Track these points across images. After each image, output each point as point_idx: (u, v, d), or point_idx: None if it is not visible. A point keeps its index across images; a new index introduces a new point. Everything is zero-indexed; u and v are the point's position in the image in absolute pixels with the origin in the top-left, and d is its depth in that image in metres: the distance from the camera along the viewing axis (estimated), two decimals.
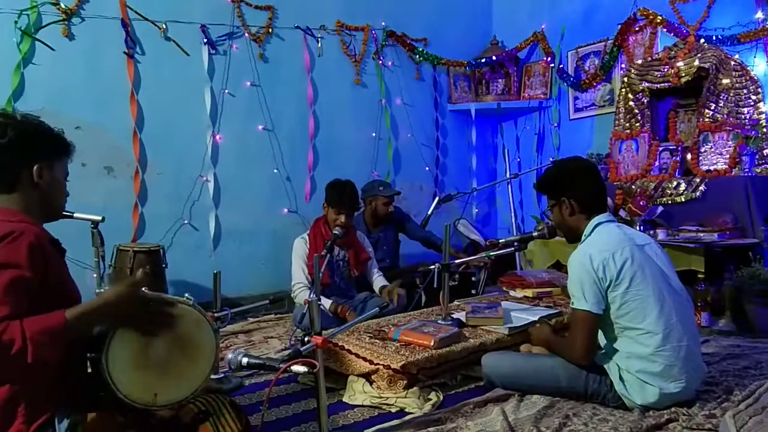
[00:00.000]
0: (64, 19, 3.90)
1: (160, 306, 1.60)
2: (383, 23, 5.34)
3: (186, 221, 4.37)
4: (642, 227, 4.04)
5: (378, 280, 3.83)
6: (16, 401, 1.41)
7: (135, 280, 1.57)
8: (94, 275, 3.01)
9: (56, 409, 1.47)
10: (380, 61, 5.35)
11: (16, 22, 3.73)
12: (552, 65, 5.54)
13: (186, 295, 1.71)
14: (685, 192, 4.13)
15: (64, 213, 2.70)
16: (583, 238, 2.39)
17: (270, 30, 4.74)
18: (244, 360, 1.69)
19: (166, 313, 1.60)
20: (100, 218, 2.89)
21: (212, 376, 2.63)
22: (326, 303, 3.50)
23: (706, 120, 4.22)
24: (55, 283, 1.50)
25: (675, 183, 4.20)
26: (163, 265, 3.83)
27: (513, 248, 3.00)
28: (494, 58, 5.73)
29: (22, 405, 1.42)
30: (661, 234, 3.86)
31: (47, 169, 1.60)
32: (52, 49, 3.84)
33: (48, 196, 1.62)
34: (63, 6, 3.89)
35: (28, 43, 3.78)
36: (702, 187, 4.05)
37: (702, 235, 3.74)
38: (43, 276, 1.45)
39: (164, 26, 4.25)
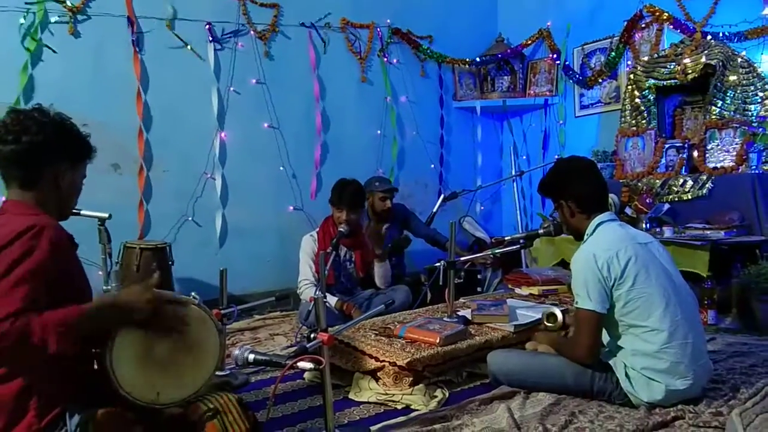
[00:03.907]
0: (70, 18, 3.91)
1: (174, 311, 1.60)
2: (388, 21, 5.33)
3: (192, 218, 4.38)
4: (648, 225, 4.03)
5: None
6: (28, 395, 1.43)
7: (148, 282, 1.58)
8: (100, 272, 3.03)
9: (67, 403, 1.48)
10: (385, 59, 5.34)
11: (23, 20, 3.75)
12: (558, 62, 5.52)
13: (192, 294, 1.73)
14: (692, 189, 4.11)
15: (72, 211, 2.73)
16: (585, 237, 2.39)
17: (275, 28, 4.75)
18: (251, 356, 1.70)
19: (179, 317, 1.60)
20: (107, 215, 2.90)
21: (219, 373, 2.64)
22: (332, 300, 3.51)
23: (713, 117, 4.20)
24: (70, 278, 1.53)
25: (681, 180, 4.19)
26: (170, 262, 3.85)
27: (518, 246, 3.00)
28: (499, 55, 5.72)
29: (34, 398, 1.44)
30: (667, 231, 3.85)
31: (70, 171, 1.63)
32: (55, 52, 3.85)
33: (64, 198, 1.65)
34: (69, 4, 3.90)
35: (35, 43, 3.80)
36: (708, 185, 4.03)
37: (708, 232, 3.72)
38: (62, 270, 1.48)
39: (171, 24, 4.26)
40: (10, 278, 1.36)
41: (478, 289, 4.36)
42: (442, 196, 4.78)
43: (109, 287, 2.96)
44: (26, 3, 3.76)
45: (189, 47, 4.32)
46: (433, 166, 5.68)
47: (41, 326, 1.33)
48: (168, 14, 4.24)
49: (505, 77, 5.86)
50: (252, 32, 4.64)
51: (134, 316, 1.52)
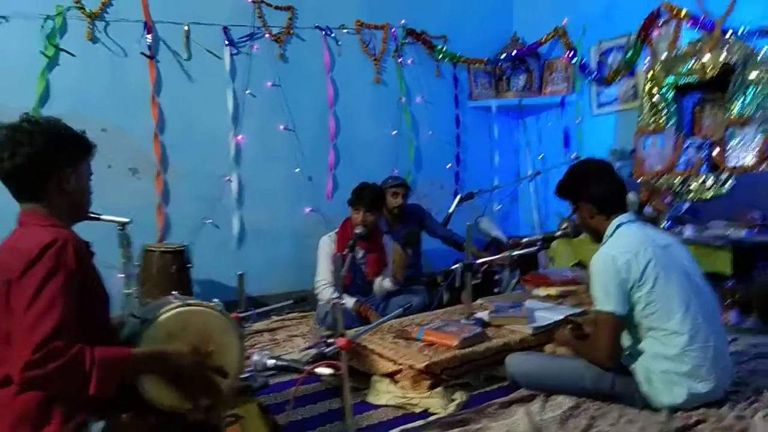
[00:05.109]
0: (88, 24, 3.96)
1: (213, 378, 1.62)
2: (403, 21, 5.32)
3: (209, 221, 4.42)
4: (668, 224, 3.98)
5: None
6: (51, 404, 1.44)
7: (205, 352, 1.60)
8: (121, 275, 3.07)
9: (90, 411, 1.50)
10: (400, 60, 5.34)
11: (42, 25, 3.80)
12: (574, 60, 5.47)
13: (215, 300, 1.74)
14: (712, 188, 4.06)
15: (92, 215, 2.76)
16: (604, 239, 2.38)
17: (290, 30, 4.76)
18: (270, 362, 1.71)
19: (215, 388, 1.63)
20: (127, 220, 2.94)
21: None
22: (349, 301, 3.52)
23: (733, 114, 4.15)
24: (92, 288, 1.54)
25: (701, 179, 4.14)
26: (189, 265, 3.89)
27: (536, 248, 2.99)
28: (515, 53, 5.68)
29: (57, 407, 1.44)
30: (687, 231, 3.80)
31: (73, 173, 1.60)
32: (73, 55, 3.91)
33: (76, 201, 1.63)
34: (87, 10, 3.95)
35: (53, 49, 3.85)
36: (729, 183, 3.98)
37: (730, 231, 3.67)
38: (85, 281, 1.49)
39: (187, 28, 4.29)
40: (45, 294, 1.38)
41: (495, 290, 4.34)
42: (458, 197, 4.76)
43: (130, 291, 3.00)
44: (47, 16, 3.82)
45: (206, 50, 4.36)
46: (449, 166, 5.66)
47: (91, 359, 1.36)
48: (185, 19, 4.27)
49: (521, 76, 5.81)
50: (267, 35, 4.66)
51: (177, 371, 1.56)
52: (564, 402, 2.36)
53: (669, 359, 2.18)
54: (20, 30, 3.76)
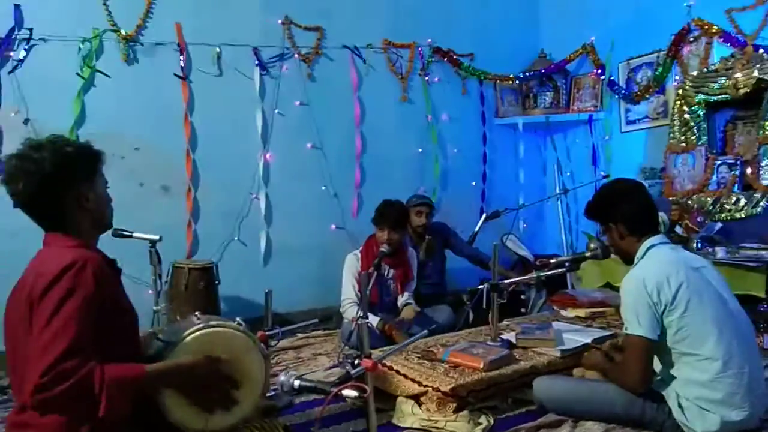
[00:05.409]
0: (124, 46, 4.07)
1: (227, 386, 1.65)
2: (429, 40, 5.35)
3: (237, 238, 4.47)
4: (699, 244, 3.90)
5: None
6: (77, 424, 1.44)
7: (214, 357, 1.61)
8: (150, 292, 3.13)
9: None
10: (426, 78, 5.36)
11: (80, 47, 3.93)
12: (602, 77, 5.43)
13: (237, 319, 1.75)
14: (745, 208, 3.97)
15: (124, 233, 2.80)
16: (636, 260, 2.34)
17: (319, 50, 4.83)
18: (296, 383, 1.72)
19: (230, 396, 1.65)
20: (157, 238, 3.00)
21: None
22: (374, 320, 3.52)
23: (767, 133, 4.06)
24: (112, 306, 1.54)
25: (734, 198, 4.05)
26: (216, 282, 3.93)
27: (564, 269, 2.95)
28: (542, 70, 5.66)
29: (83, 428, 1.44)
30: (720, 252, 3.71)
31: (90, 188, 1.59)
32: (108, 76, 4.01)
33: (97, 215, 1.63)
34: (123, 33, 4.07)
35: (89, 70, 3.97)
36: (763, 203, 3.89)
37: (764, 252, 3.58)
38: (107, 299, 1.50)
39: (219, 50, 4.39)
40: (60, 316, 1.38)
41: (522, 310, 4.29)
42: (484, 215, 4.74)
43: (159, 307, 3.05)
44: (84, 38, 3.94)
45: (237, 70, 4.45)
46: (474, 183, 5.64)
47: (101, 380, 1.35)
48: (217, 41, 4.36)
49: (548, 93, 5.78)
50: (296, 55, 4.73)
51: (192, 384, 1.57)
52: (593, 428, 2.31)
53: (702, 385, 2.13)
54: (58, 52, 3.87)
